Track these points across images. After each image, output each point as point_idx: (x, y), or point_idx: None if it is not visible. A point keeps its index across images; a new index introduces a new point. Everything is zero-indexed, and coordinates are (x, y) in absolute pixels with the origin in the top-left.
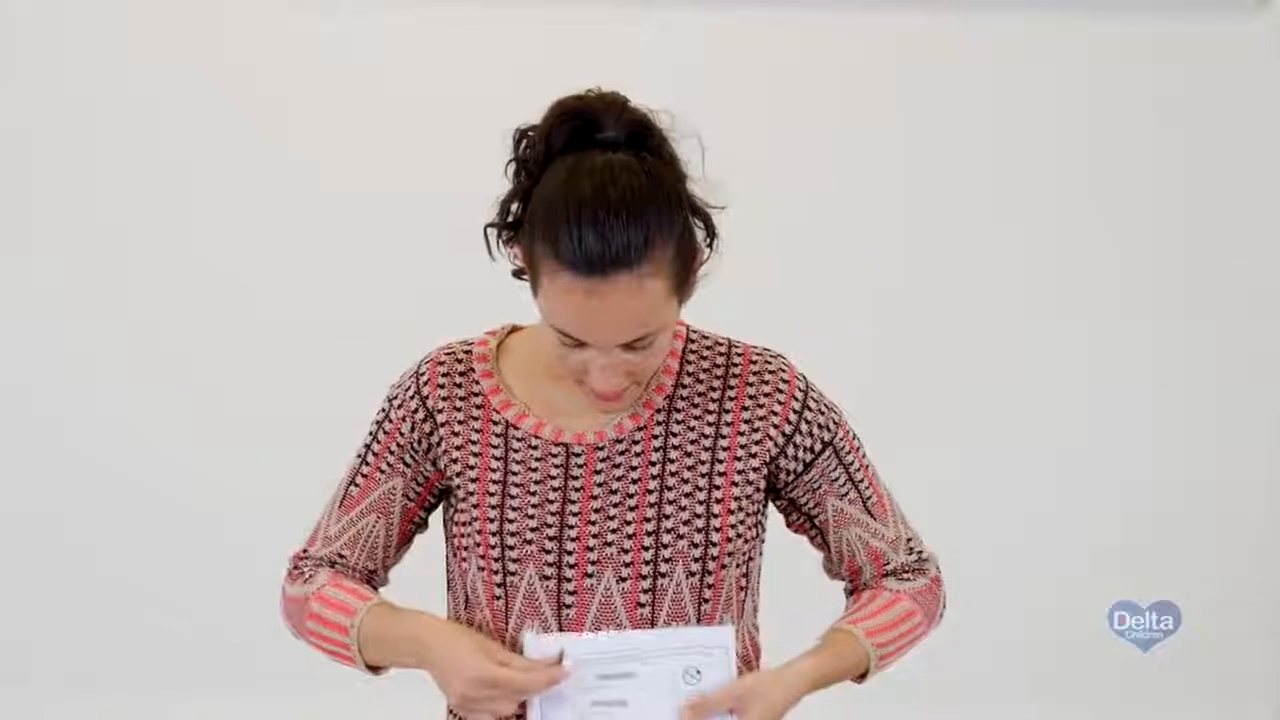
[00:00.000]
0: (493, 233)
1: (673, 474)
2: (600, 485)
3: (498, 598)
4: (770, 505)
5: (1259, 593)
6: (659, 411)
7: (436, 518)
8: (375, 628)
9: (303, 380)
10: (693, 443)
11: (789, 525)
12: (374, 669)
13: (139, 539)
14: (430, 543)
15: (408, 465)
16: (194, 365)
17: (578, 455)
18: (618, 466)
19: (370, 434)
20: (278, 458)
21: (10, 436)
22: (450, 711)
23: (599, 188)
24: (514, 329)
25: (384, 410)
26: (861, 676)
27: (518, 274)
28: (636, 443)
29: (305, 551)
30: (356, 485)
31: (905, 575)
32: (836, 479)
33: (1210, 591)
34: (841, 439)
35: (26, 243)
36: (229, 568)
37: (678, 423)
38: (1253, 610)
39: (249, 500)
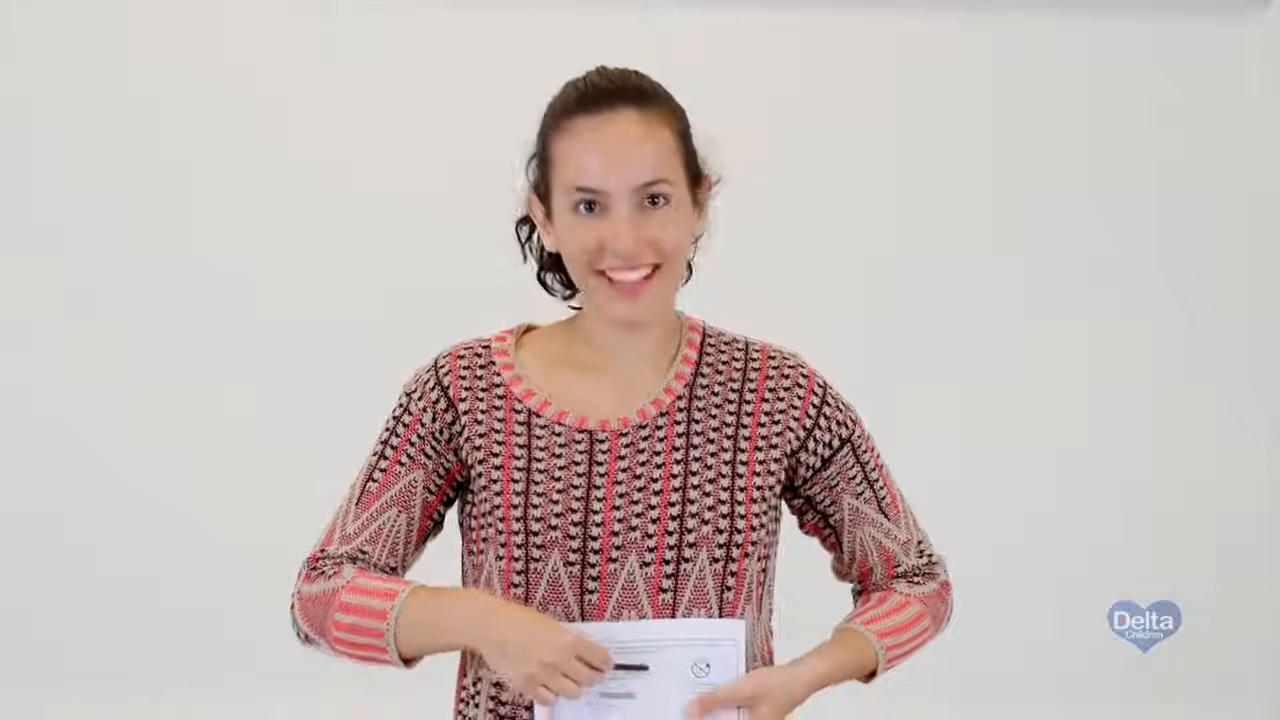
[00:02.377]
0: (523, 229)
1: (696, 459)
2: (624, 470)
3: (516, 585)
4: (783, 507)
5: (1259, 593)
6: (680, 398)
7: (451, 521)
8: (420, 609)
9: (303, 380)
10: (715, 430)
11: (802, 526)
12: (405, 660)
13: (139, 539)
14: (445, 548)
15: (429, 457)
16: (194, 365)
17: (601, 441)
18: (641, 452)
19: (387, 429)
20: (278, 458)
21: (10, 436)
22: (459, 713)
23: (597, 70)
24: (529, 328)
25: (401, 404)
26: (869, 677)
27: (523, 223)
28: (660, 428)
29: (323, 551)
30: (375, 480)
31: (915, 578)
32: (853, 477)
33: (1210, 591)
34: (859, 437)
35: (26, 243)
36: (229, 568)
37: (699, 409)
38: (1253, 610)
39: (249, 500)
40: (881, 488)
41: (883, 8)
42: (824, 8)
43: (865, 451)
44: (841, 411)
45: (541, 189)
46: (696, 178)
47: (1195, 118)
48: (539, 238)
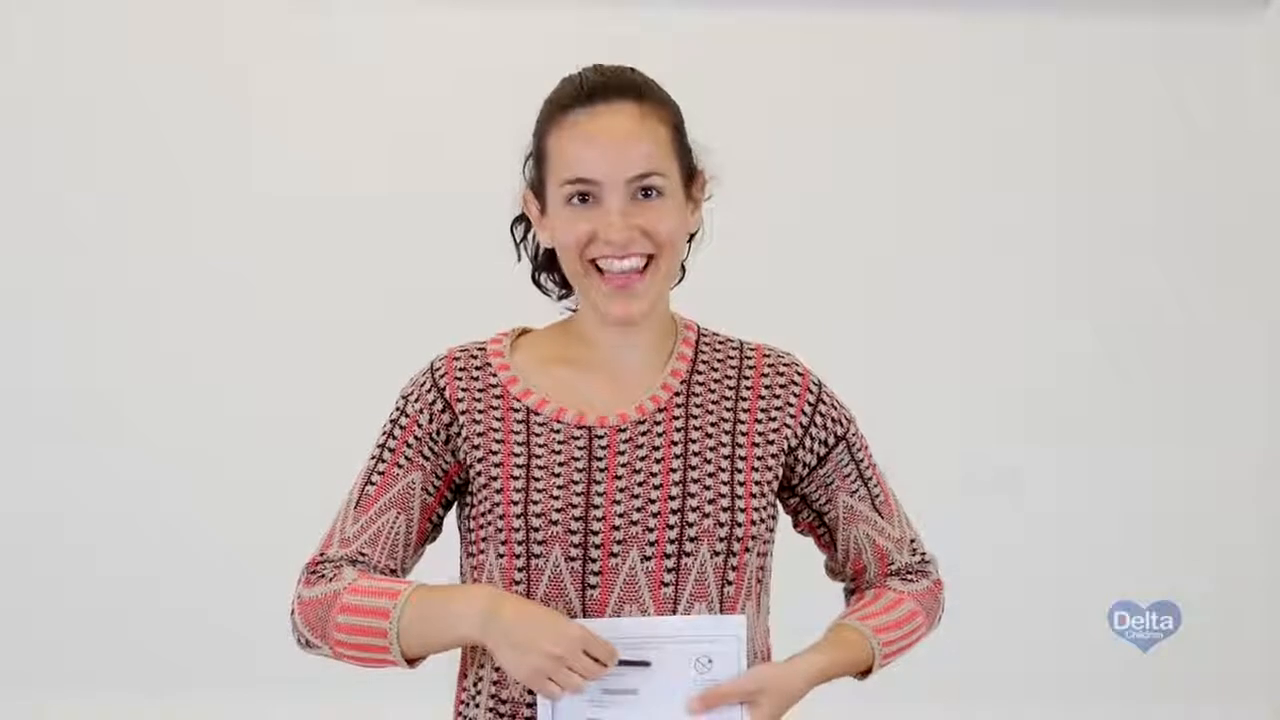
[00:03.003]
0: (518, 229)
1: (695, 453)
2: (624, 465)
3: (518, 582)
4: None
5: (1259, 593)
6: (677, 394)
7: (450, 526)
8: (423, 607)
9: (303, 380)
10: (713, 425)
11: (796, 525)
12: (409, 660)
13: (139, 539)
14: (445, 550)
15: (427, 458)
16: (194, 365)
17: (600, 437)
18: (640, 446)
19: (385, 433)
20: (278, 458)
21: (10, 436)
22: (459, 714)
23: (593, 67)
24: (524, 331)
25: (399, 408)
26: (864, 673)
27: (518, 222)
28: (658, 423)
29: (323, 555)
30: (373, 483)
31: (909, 576)
32: (848, 475)
33: (1210, 591)
34: (854, 435)
35: (26, 243)
36: (229, 568)
37: (696, 405)
38: (1253, 610)
39: (249, 500)
40: (875, 486)
41: (883, 8)
42: (824, 8)
43: (860, 450)
44: (836, 409)
45: (537, 184)
46: (691, 174)
47: (1195, 118)
48: (534, 238)
